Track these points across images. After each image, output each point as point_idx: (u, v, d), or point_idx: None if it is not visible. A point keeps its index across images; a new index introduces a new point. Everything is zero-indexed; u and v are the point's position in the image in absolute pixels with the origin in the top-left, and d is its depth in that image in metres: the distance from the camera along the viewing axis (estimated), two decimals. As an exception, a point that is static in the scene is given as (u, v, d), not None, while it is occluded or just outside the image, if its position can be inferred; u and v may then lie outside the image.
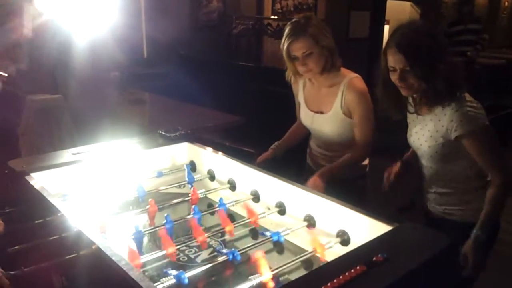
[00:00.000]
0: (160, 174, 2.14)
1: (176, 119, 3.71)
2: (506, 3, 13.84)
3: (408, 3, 8.46)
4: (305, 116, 2.36)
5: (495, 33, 13.43)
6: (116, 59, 4.45)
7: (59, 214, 1.53)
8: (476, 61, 5.94)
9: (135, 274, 1.12)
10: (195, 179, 2.13)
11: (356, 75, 2.24)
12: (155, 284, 1.19)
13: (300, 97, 2.38)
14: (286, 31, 2.13)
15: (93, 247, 1.31)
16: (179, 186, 2.15)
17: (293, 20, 2.16)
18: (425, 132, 1.90)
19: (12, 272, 1.32)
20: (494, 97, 6.33)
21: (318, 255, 1.52)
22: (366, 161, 2.37)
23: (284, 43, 2.13)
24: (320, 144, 2.37)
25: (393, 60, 1.78)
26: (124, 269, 1.14)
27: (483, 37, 5.84)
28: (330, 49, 2.14)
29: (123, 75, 4.71)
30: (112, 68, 4.57)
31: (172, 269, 1.32)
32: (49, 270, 1.57)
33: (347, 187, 2.03)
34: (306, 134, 2.46)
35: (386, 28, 6.58)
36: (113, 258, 1.20)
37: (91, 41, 3.56)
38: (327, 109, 2.24)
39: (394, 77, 1.82)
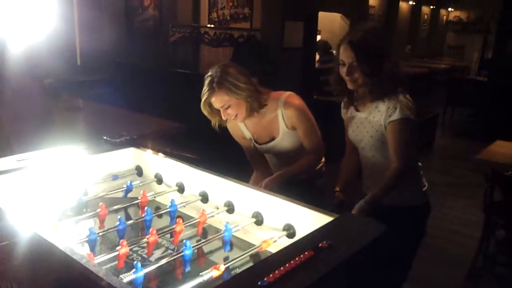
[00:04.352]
0: (115, 178, 2.20)
1: (115, 126, 3.68)
2: (426, 16, 14.85)
3: (338, 15, 8.88)
4: (260, 148, 2.44)
5: (417, 44, 14.34)
6: (49, 66, 4.35)
7: (9, 220, 1.53)
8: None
9: (98, 270, 1.16)
10: (141, 184, 2.18)
11: (288, 93, 2.30)
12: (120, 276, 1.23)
13: (248, 134, 2.43)
14: (204, 85, 2.20)
15: (49, 247, 1.32)
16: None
17: (209, 73, 2.20)
18: (366, 124, 2.06)
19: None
20: (417, 103, 6.78)
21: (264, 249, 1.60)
22: (322, 160, 2.45)
23: (203, 97, 2.20)
24: (276, 162, 2.46)
25: (344, 54, 1.95)
26: (87, 266, 1.18)
27: None
28: (249, 94, 2.18)
29: (56, 82, 4.62)
30: (46, 75, 4.46)
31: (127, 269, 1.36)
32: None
33: (306, 187, 2.17)
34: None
35: (318, 38, 6.87)
36: (73, 256, 1.22)
37: (25, 48, 3.48)
38: (276, 133, 2.33)
39: (342, 71, 1.98)
